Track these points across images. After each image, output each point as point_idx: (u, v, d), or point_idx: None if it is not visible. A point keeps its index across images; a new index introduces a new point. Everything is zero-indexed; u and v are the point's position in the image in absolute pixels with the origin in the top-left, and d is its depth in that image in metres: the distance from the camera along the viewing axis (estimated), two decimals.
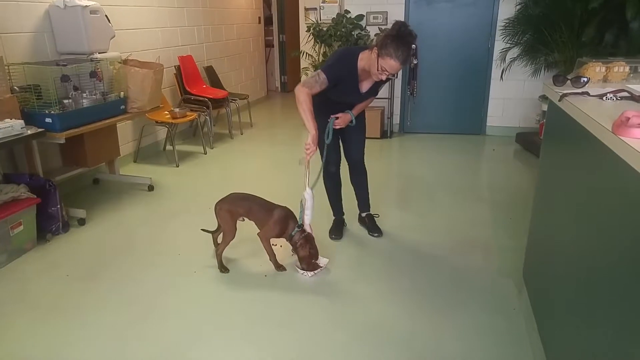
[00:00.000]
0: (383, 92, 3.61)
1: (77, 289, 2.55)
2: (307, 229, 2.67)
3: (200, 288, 2.57)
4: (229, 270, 2.71)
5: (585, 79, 2.03)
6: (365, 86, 2.67)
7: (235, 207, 2.66)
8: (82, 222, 3.28)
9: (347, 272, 2.71)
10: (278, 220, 2.63)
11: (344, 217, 3.24)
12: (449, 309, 2.36)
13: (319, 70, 2.53)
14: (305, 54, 5.90)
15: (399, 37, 2.33)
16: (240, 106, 6.18)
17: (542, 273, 2.10)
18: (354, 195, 3.20)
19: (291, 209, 2.70)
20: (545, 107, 5.01)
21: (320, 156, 2.82)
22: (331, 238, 3.09)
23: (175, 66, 5.26)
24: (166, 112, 4.74)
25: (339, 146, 2.97)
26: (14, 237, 2.78)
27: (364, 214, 3.22)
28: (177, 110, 4.76)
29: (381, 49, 2.35)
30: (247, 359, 2.03)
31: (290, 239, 2.65)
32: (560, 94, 1.87)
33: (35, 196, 2.89)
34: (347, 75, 2.57)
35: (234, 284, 2.60)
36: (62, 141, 3.04)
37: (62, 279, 2.64)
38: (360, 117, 2.87)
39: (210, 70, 6.03)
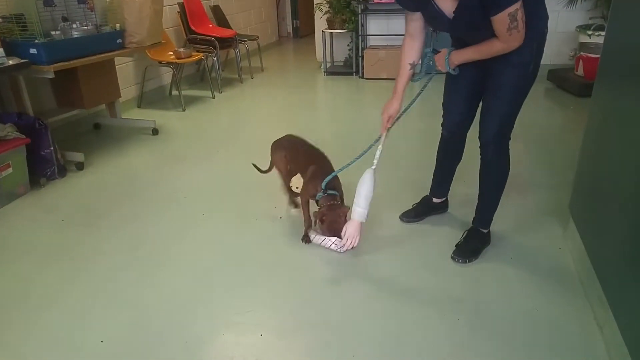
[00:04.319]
0: None
1: (74, 234, 2.33)
2: (353, 225, 1.94)
3: (209, 231, 2.33)
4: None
5: None
6: (447, 5, 1.65)
7: (283, 153, 2.31)
8: (80, 166, 3.04)
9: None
10: (311, 178, 2.14)
11: (442, 201, 2.38)
12: (487, 250, 2.08)
13: None
14: None
15: None
16: (250, 50, 5.79)
17: (596, 204, 1.80)
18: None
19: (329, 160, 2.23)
20: (583, 39, 4.54)
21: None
22: (400, 218, 2.34)
23: (178, 3, 4.87)
24: (170, 52, 4.41)
25: (467, 101, 1.98)
26: (4, 180, 2.55)
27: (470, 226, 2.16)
28: (181, 50, 4.41)
29: None
30: (259, 303, 1.80)
31: (317, 202, 2.14)
32: None
33: (24, 136, 2.64)
34: None
35: (245, 228, 2.35)
36: (51, 75, 2.74)
37: (58, 225, 2.42)
38: (498, 73, 1.76)
39: (217, 10, 5.63)
